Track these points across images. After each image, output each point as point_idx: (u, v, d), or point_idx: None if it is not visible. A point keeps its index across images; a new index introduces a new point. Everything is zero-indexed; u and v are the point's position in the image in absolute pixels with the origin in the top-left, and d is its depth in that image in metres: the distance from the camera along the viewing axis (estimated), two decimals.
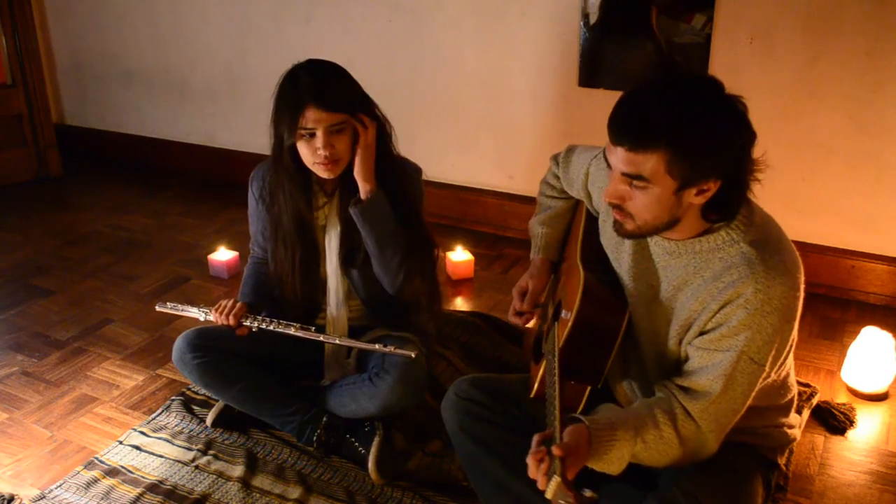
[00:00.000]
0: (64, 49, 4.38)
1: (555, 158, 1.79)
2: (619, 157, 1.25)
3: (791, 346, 1.42)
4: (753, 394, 1.33)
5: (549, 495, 1.18)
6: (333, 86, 1.78)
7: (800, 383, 2.20)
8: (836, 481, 1.89)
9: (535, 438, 1.25)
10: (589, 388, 1.47)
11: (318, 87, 1.75)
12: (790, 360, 1.49)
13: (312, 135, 1.76)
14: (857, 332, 2.26)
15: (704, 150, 1.22)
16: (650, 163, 1.22)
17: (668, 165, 1.22)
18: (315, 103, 1.73)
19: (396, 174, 1.92)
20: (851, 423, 2.07)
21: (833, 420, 2.08)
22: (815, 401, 2.14)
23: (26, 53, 3.96)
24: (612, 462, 1.29)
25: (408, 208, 1.92)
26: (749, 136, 1.26)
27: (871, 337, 2.19)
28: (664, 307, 1.41)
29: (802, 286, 1.34)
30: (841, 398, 2.20)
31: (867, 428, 2.08)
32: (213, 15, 3.78)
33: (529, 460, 1.23)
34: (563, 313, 1.53)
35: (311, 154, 1.79)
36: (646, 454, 1.31)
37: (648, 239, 1.41)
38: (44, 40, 4.33)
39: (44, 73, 4.11)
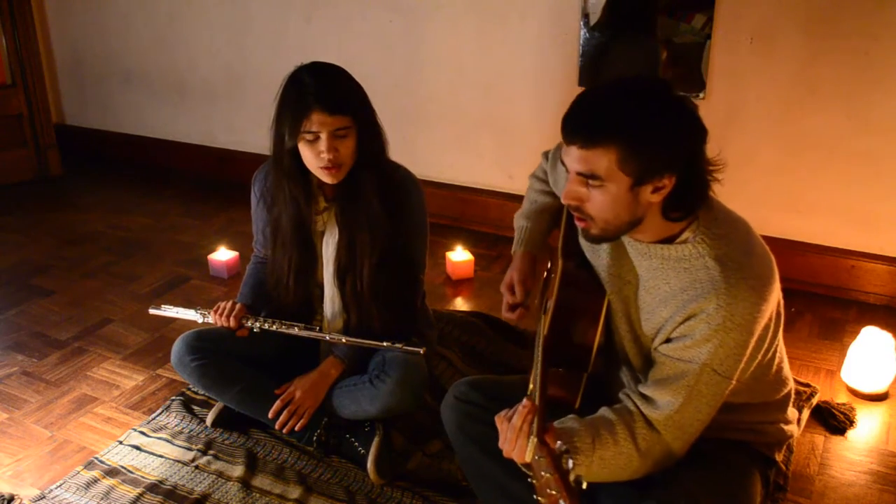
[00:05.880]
0: (64, 49, 4.38)
1: (545, 154, 1.82)
2: (573, 157, 1.28)
3: (773, 346, 1.42)
4: (719, 404, 1.34)
5: (527, 458, 1.22)
6: (339, 89, 1.78)
7: (800, 383, 2.20)
8: (836, 481, 1.89)
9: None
10: (584, 376, 1.47)
11: (324, 90, 1.73)
12: (779, 356, 1.49)
13: (316, 138, 1.75)
14: (857, 332, 2.26)
15: (654, 145, 1.24)
16: (603, 160, 1.24)
17: (620, 162, 1.24)
18: (321, 106, 1.72)
19: (391, 188, 1.91)
20: (851, 423, 2.07)
21: (833, 420, 2.08)
22: (815, 401, 2.14)
23: (26, 53, 3.96)
24: None
25: (398, 227, 1.91)
26: (699, 131, 1.28)
27: (871, 337, 2.19)
28: (638, 306, 1.43)
29: (772, 295, 1.33)
30: (841, 398, 2.20)
31: (867, 428, 2.08)
32: (213, 15, 3.78)
33: (500, 433, 1.29)
34: (548, 303, 1.55)
35: (315, 158, 1.77)
36: (605, 472, 1.30)
37: (623, 238, 1.42)
38: (44, 40, 4.33)
39: (44, 73, 4.11)
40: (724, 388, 1.32)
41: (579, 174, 1.28)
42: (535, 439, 1.19)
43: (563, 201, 1.34)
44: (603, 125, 1.24)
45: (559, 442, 1.15)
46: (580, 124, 1.27)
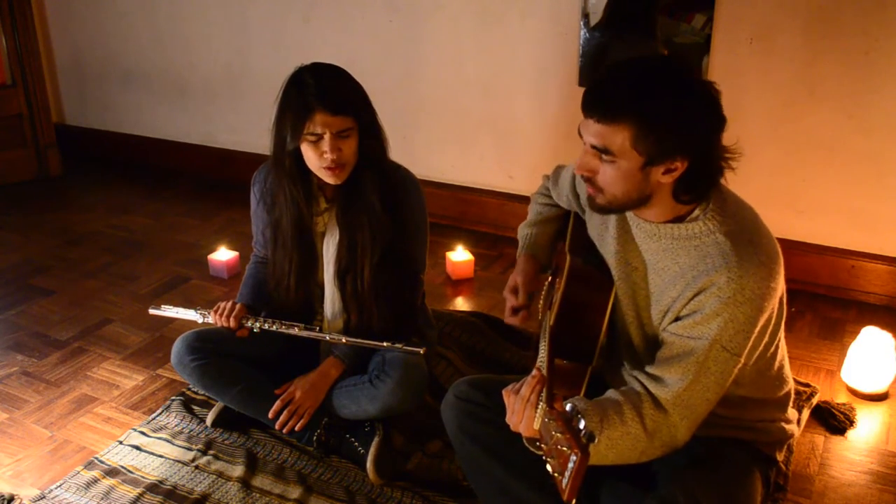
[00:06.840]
0: (64, 49, 4.37)
1: (546, 176, 1.85)
2: (590, 130, 1.29)
3: (776, 337, 1.42)
4: (727, 384, 1.34)
5: (536, 426, 1.23)
6: (341, 90, 1.78)
7: (800, 383, 2.20)
8: (836, 481, 1.89)
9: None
10: (588, 370, 1.47)
11: (326, 91, 1.74)
12: (781, 353, 1.49)
13: (319, 139, 1.75)
14: (857, 332, 2.26)
15: (669, 127, 1.25)
16: (617, 137, 1.26)
17: (633, 140, 1.25)
18: (323, 107, 1.72)
19: (392, 188, 1.91)
20: (851, 423, 2.07)
21: (833, 420, 2.08)
22: (815, 401, 2.14)
23: (26, 53, 3.96)
24: None
25: (398, 227, 1.91)
26: (717, 118, 1.29)
27: (871, 337, 2.19)
28: (646, 291, 1.44)
29: (780, 276, 1.34)
30: (841, 398, 2.20)
31: (867, 428, 2.08)
32: (213, 15, 3.78)
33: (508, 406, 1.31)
34: (554, 298, 1.56)
35: (318, 158, 1.78)
36: (612, 453, 1.30)
37: (630, 222, 1.44)
38: (44, 40, 4.33)
39: (44, 73, 4.11)
40: (732, 367, 1.32)
41: (593, 147, 1.30)
42: (545, 405, 1.20)
43: (575, 172, 1.36)
44: (621, 102, 1.25)
45: (569, 405, 1.15)
46: (600, 98, 1.28)
